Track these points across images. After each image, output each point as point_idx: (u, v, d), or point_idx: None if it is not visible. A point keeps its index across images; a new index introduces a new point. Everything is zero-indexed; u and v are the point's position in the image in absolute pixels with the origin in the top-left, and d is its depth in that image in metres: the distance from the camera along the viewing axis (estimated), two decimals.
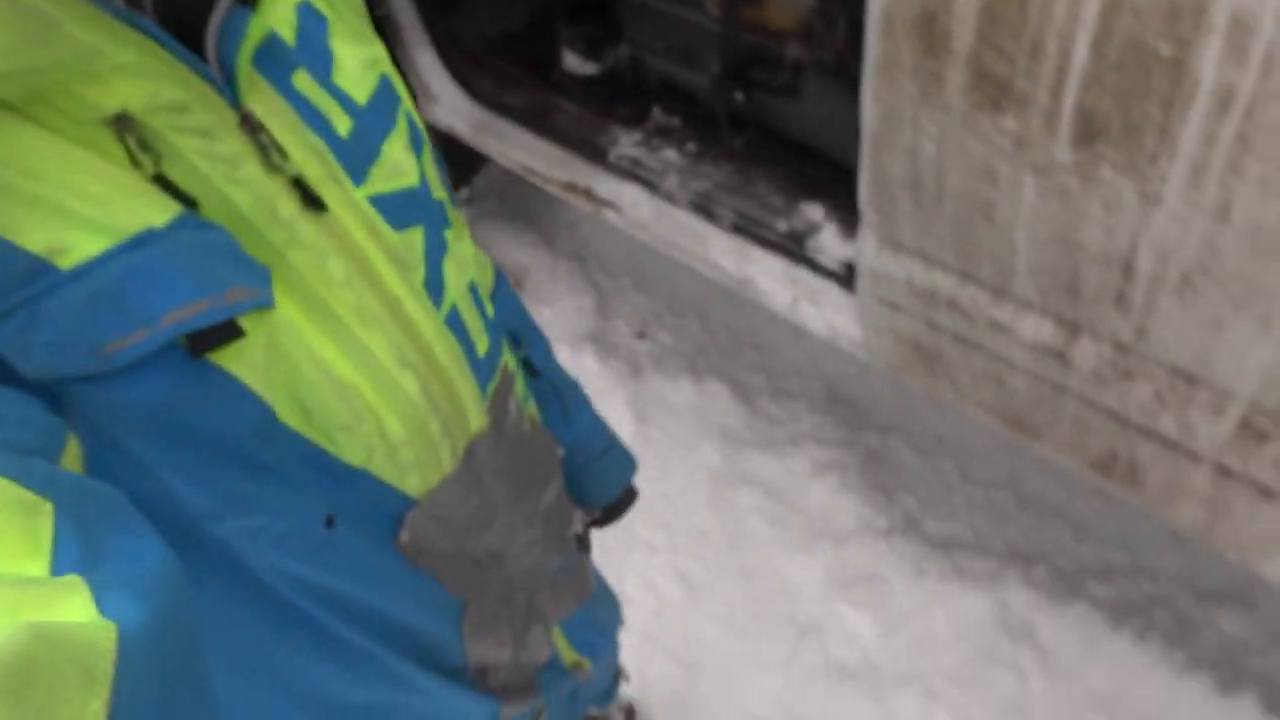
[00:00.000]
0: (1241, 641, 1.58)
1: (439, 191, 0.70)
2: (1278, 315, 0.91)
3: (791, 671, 1.64)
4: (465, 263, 0.72)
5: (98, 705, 0.27)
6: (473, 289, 0.73)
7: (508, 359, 0.80)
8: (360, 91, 0.62)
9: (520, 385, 0.83)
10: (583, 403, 0.99)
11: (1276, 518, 1.06)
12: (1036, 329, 1.14)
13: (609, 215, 1.75)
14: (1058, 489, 1.80)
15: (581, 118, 1.83)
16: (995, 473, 1.84)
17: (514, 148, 1.87)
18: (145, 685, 0.29)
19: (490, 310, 0.76)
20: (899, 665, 1.62)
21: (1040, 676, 1.58)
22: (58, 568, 0.34)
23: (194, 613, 0.36)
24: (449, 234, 0.70)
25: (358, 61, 0.63)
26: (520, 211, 2.47)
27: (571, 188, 1.79)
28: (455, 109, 1.93)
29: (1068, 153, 0.96)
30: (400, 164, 0.64)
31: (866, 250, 1.28)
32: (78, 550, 0.35)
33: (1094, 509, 1.77)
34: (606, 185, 1.75)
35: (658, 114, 1.79)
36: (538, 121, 1.85)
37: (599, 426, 1.02)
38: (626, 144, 1.76)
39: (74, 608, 0.30)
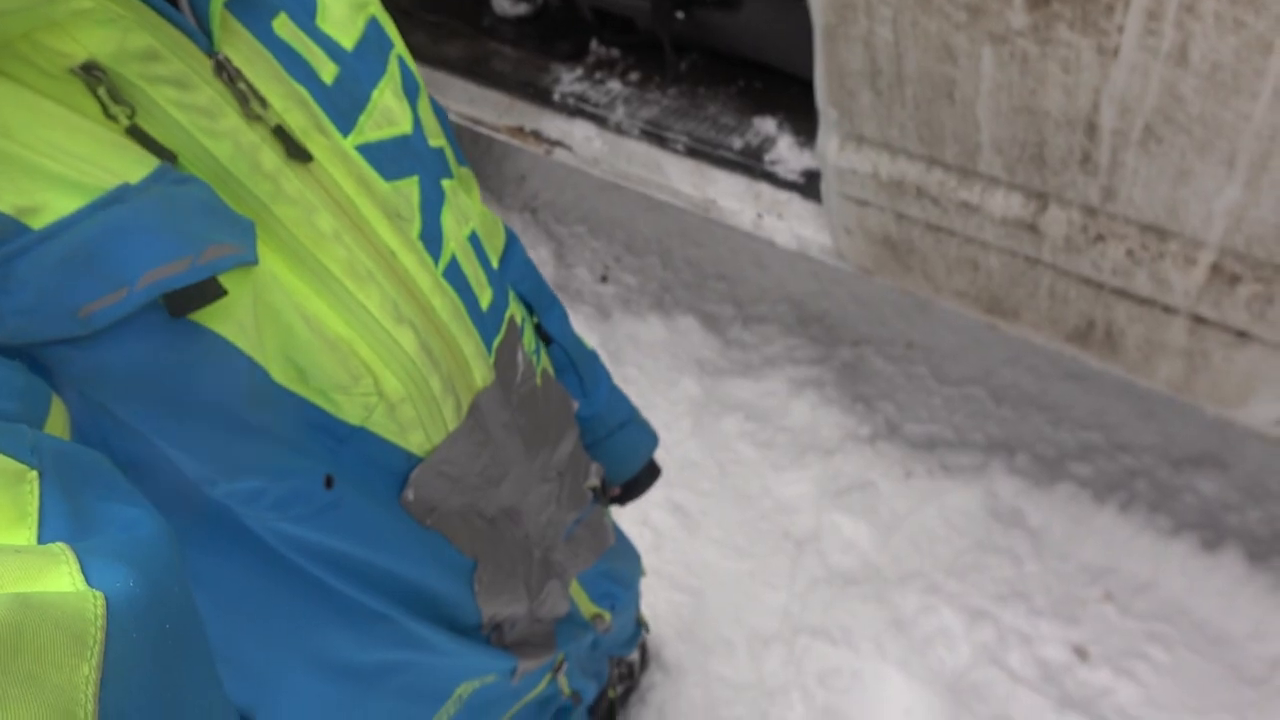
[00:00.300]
0: (1219, 501, 1.63)
1: (436, 139, 0.68)
2: (1241, 155, 0.93)
3: (795, 584, 1.66)
4: (466, 213, 0.70)
5: (87, 670, 0.27)
6: (474, 240, 0.71)
7: (514, 310, 0.78)
8: (347, 36, 0.60)
9: (529, 338, 0.81)
10: (600, 375, 0.96)
11: (1252, 359, 1.09)
12: (1006, 204, 1.16)
13: (561, 155, 1.73)
14: (1030, 379, 1.84)
15: (520, 60, 1.80)
16: (968, 371, 1.88)
17: (456, 100, 1.84)
18: (138, 651, 0.29)
19: (495, 261, 0.74)
20: (898, 565, 1.65)
21: (1034, 558, 1.62)
22: (44, 536, 0.33)
23: (188, 579, 0.35)
24: (447, 184, 0.68)
25: (344, 5, 0.61)
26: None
27: (519, 131, 1.76)
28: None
29: (1023, 16, 0.97)
30: (391, 111, 0.62)
31: (829, 150, 1.29)
32: (65, 519, 0.34)
33: (1066, 394, 1.81)
34: (555, 125, 1.73)
35: (597, 47, 1.77)
36: (477, 70, 1.82)
37: (618, 399, 0.99)
38: (569, 81, 1.74)
39: (61, 576, 0.29)
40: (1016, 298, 1.26)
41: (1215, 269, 1.04)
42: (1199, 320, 1.10)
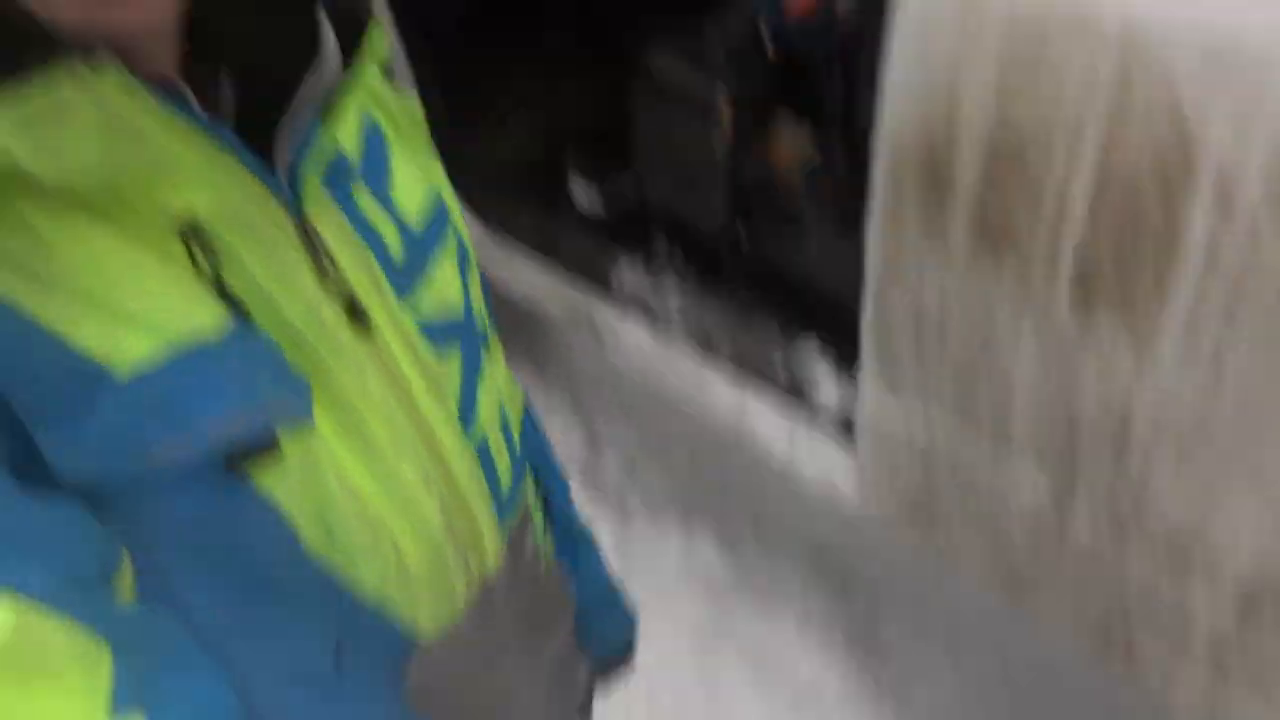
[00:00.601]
0: None
1: (479, 308, 0.70)
2: (1275, 483, 0.89)
3: None
4: (498, 388, 0.72)
5: None
6: (503, 419, 0.72)
7: (529, 498, 0.78)
8: (414, 209, 0.63)
9: (539, 526, 0.81)
10: (592, 551, 0.96)
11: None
12: (1034, 481, 1.12)
13: (607, 346, 1.75)
14: (1048, 663, 1.73)
15: (585, 245, 1.86)
16: (983, 641, 1.77)
17: (516, 272, 1.89)
18: None
19: (517, 444, 0.75)
20: None
21: None
22: (117, 709, 0.36)
23: None
24: (485, 354, 0.70)
25: (414, 178, 0.64)
26: (512, 335, 2.46)
27: (573, 315, 1.80)
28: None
29: (1066, 305, 0.97)
30: (447, 284, 0.65)
31: (867, 397, 1.28)
32: (135, 695, 0.37)
33: (1085, 687, 1.69)
34: (608, 316, 1.76)
35: (662, 244, 1.82)
36: (542, 247, 1.88)
37: (604, 577, 0.98)
38: (629, 274, 1.78)
39: None
40: (1034, 577, 1.20)
41: (1246, 598, 0.98)
42: (1223, 648, 1.03)
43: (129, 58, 0.46)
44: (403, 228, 0.61)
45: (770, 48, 1.56)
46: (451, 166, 0.72)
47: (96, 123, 0.44)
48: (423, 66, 1.81)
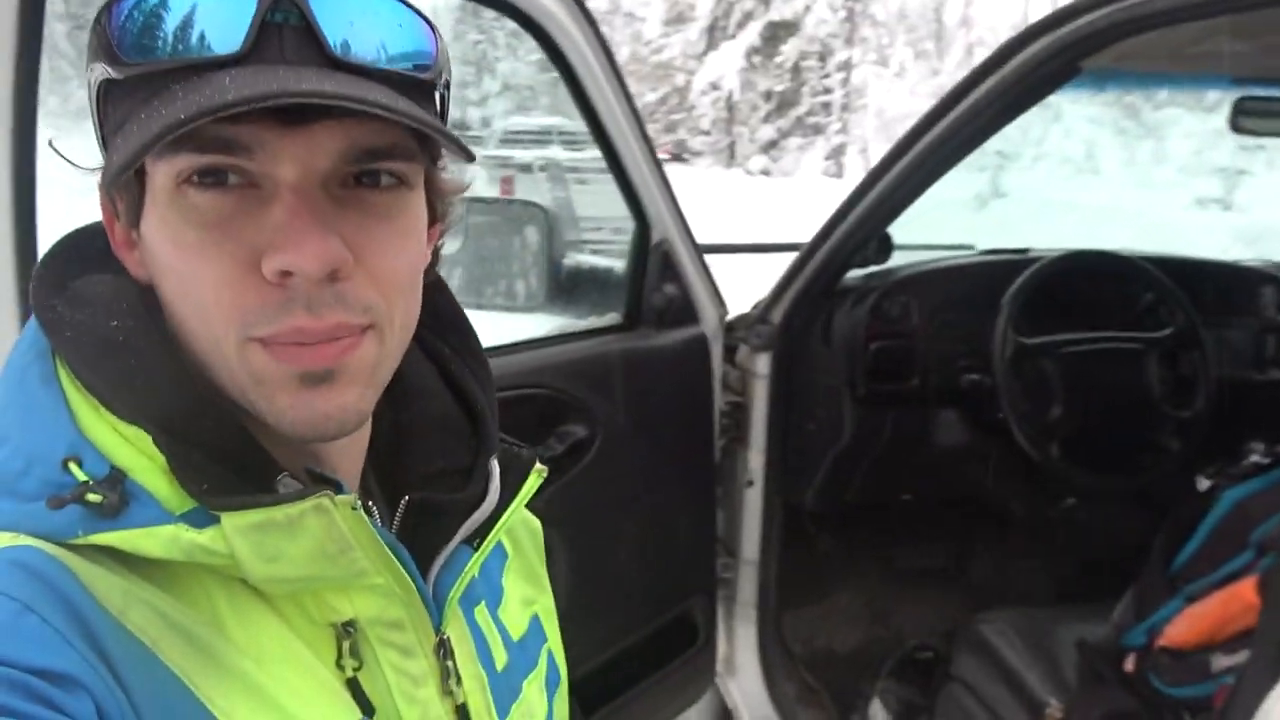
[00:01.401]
0: None
1: None
2: None
3: None
4: None
5: None
6: None
7: None
8: (517, 628, 0.69)
9: None
10: None
11: None
12: None
13: None
14: None
15: None
16: None
17: None
18: None
19: None
20: None
21: None
22: None
23: None
24: None
25: (520, 599, 0.70)
26: None
27: None
28: (747, 693, 1.97)
29: None
30: (534, 704, 0.68)
31: None
32: None
33: None
34: None
35: None
36: None
37: None
38: None
39: None
40: None
41: None
42: None
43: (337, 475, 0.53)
44: (508, 646, 0.67)
45: None
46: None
47: (320, 540, 0.49)
48: None
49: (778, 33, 24.56)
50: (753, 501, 2.01)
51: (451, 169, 0.60)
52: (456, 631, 0.61)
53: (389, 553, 0.53)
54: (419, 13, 0.54)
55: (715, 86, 24.76)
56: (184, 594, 0.49)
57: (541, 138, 13.09)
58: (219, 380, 0.51)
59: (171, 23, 0.47)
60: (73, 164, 0.52)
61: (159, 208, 0.49)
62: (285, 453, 0.54)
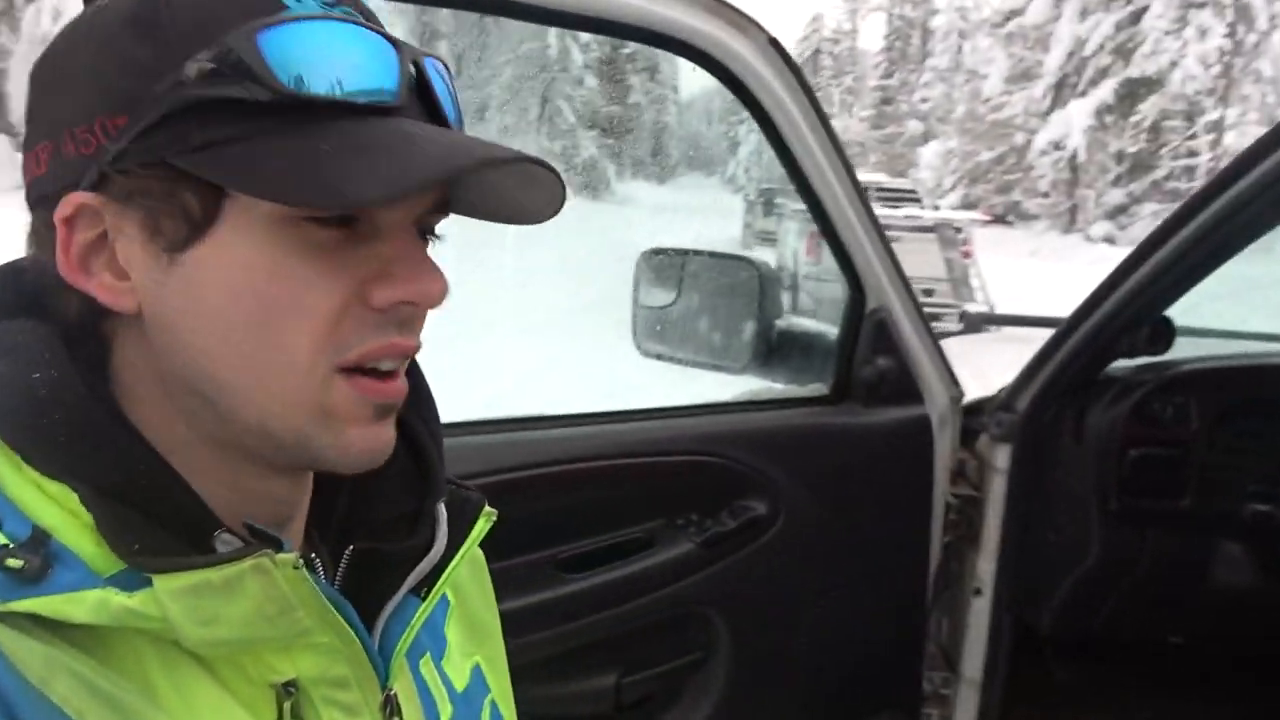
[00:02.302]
0: None
1: None
2: None
3: None
4: None
5: None
6: None
7: None
8: (460, 679, 0.66)
9: None
10: None
11: None
12: None
13: None
14: None
15: None
16: None
17: None
18: None
19: None
20: None
21: None
22: None
23: None
24: None
25: (461, 649, 0.68)
26: None
27: None
28: None
29: None
30: None
31: None
32: None
33: None
34: None
35: None
36: None
37: None
38: None
39: None
40: None
41: None
42: None
43: (281, 531, 0.52)
44: (451, 698, 0.64)
45: None
46: None
47: (259, 601, 0.47)
48: None
49: (1136, 90, 22.49)
50: (979, 613, 1.76)
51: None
52: (403, 687, 0.58)
53: (333, 610, 0.51)
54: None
55: (1058, 146, 23.12)
56: (113, 659, 0.47)
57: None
58: (238, 418, 0.50)
59: (331, 59, 0.47)
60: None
61: (252, 235, 0.47)
62: (228, 504, 0.51)
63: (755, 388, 1.68)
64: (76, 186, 0.48)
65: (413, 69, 0.50)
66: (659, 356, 1.74)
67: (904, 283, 1.58)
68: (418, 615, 0.58)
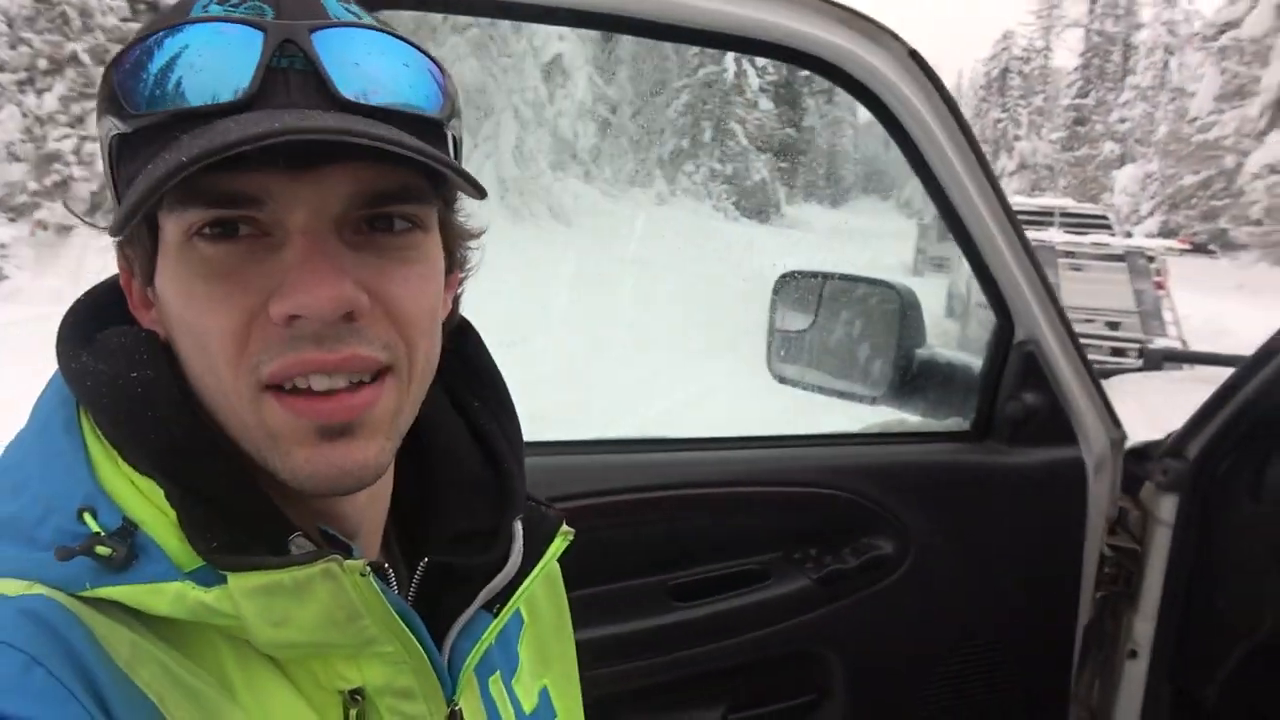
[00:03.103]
0: None
1: None
2: None
3: None
4: None
5: None
6: None
7: None
8: (529, 701, 0.67)
9: None
10: None
11: None
12: None
13: None
14: None
15: None
16: None
17: None
18: None
19: None
20: None
21: None
22: None
23: None
24: None
25: (532, 670, 0.68)
26: None
27: None
28: None
29: None
30: None
31: None
32: None
33: None
34: None
35: None
36: None
37: None
38: None
39: None
40: None
41: None
42: None
43: (352, 540, 0.53)
44: (519, 715, 0.65)
45: None
46: None
47: (328, 606, 0.48)
48: None
49: None
50: (1134, 678, 1.60)
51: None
52: (470, 703, 0.59)
53: (399, 621, 0.51)
54: (424, 51, 0.51)
55: (1275, 170, 21.18)
56: (193, 652, 0.49)
57: (1041, 218, 12.28)
58: (234, 435, 0.51)
59: (176, 72, 0.47)
60: (86, 221, 0.55)
61: (170, 262, 0.50)
62: (301, 511, 0.53)
63: (890, 419, 1.59)
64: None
65: (297, 49, 0.47)
66: (793, 382, 1.69)
67: (1058, 313, 1.46)
68: (489, 631, 0.58)
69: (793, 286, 1.75)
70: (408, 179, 0.49)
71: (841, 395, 1.63)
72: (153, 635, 0.48)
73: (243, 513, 0.50)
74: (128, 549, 0.47)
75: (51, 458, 0.51)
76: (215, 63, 0.46)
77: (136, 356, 0.52)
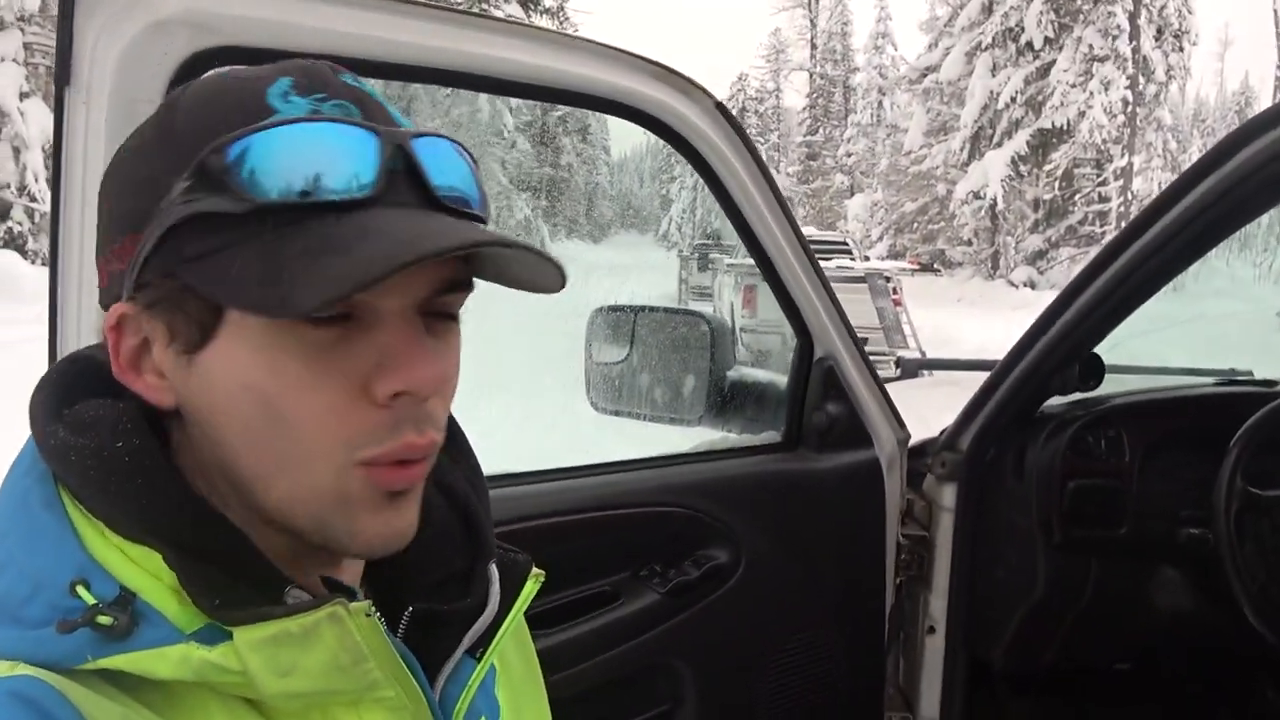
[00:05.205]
0: None
1: None
2: None
3: None
4: None
5: None
6: None
7: None
8: None
9: None
10: None
11: None
12: None
13: None
14: None
15: None
16: None
17: None
18: None
19: None
20: None
21: None
22: None
23: None
24: None
25: (510, 716, 0.69)
26: None
27: None
28: None
29: None
30: None
31: None
32: None
33: None
34: None
35: None
36: None
37: None
38: None
39: None
40: None
41: None
42: None
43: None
44: None
45: None
46: None
47: (334, 651, 0.49)
48: None
49: (1048, 140, 23.51)
50: (934, 652, 1.79)
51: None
52: None
53: (401, 664, 0.53)
54: (470, 152, 0.57)
55: (977, 195, 23.96)
56: (183, 717, 0.49)
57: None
58: (264, 503, 0.52)
59: (309, 165, 0.48)
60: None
61: (249, 338, 0.49)
62: (291, 565, 0.54)
63: (712, 439, 1.71)
64: (120, 297, 0.52)
65: (402, 154, 0.51)
66: (615, 412, 1.77)
67: (849, 330, 1.64)
68: (474, 675, 0.60)
69: (605, 321, 1.84)
70: (464, 274, 0.55)
71: (663, 421, 1.73)
72: (140, 706, 0.47)
73: (240, 570, 0.51)
74: (129, 616, 0.47)
75: (36, 535, 0.50)
76: (343, 161, 0.49)
77: (120, 427, 0.52)
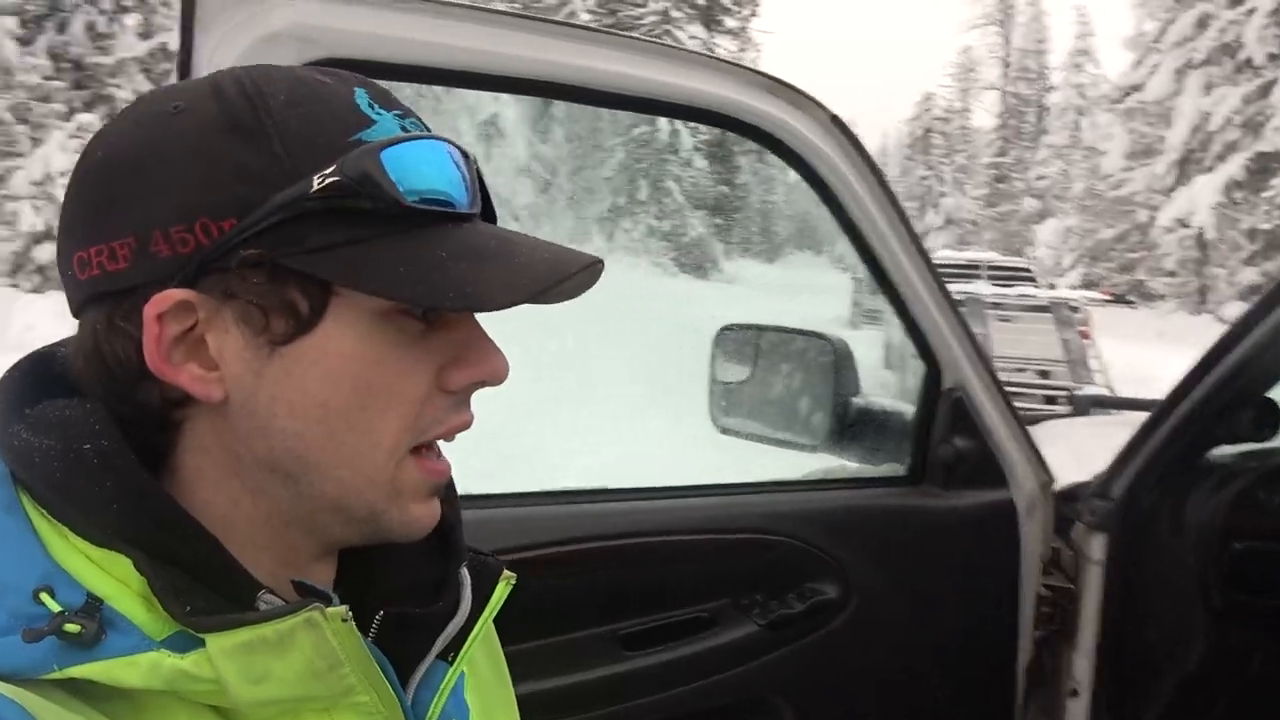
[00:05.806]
0: None
1: None
2: None
3: None
4: None
5: None
6: None
7: None
8: None
9: None
10: None
11: None
12: None
13: None
14: None
15: None
16: None
17: None
18: None
19: None
20: None
21: None
22: None
23: None
24: None
25: (482, 712, 0.69)
26: None
27: None
28: None
29: None
30: None
31: None
32: None
33: None
34: None
35: None
36: None
37: None
38: None
39: None
40: None
41: None
42: None
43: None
44: None
45: None
46: None
47: (310, 656, 0.49)
48: None
49: (1268, 164, 21.51)
50: (1076, 715, 1.64)
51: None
52: None
53: (377, 669, 0.52)
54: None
55: (1184, 224, 22.20)
56: None
57: (968, 271, 12.66)
58: (317, 492, 0.53)
59: (438, 176, 0.53)
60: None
61: (357, 327, 0.51)
62: (272, 574, 0.54)
63: (829, 466, 1.64)
64: (165, 284, 0.49)
65: (475, 173, 0.55)
66: (734, 432, 1.73)
67: (983, 362, 1.53)
68: (446, 680, 0.60)
69: (731, 339, 1.80)
70: None
71: (782, 444, 1.67)
72: (103, 716, 0.46)
73: (209, 575, 0.50)
74: (96, 624, 0.46)
75: None
76: (452, 172, 0.54)
77: (87, 428, 0.50)
